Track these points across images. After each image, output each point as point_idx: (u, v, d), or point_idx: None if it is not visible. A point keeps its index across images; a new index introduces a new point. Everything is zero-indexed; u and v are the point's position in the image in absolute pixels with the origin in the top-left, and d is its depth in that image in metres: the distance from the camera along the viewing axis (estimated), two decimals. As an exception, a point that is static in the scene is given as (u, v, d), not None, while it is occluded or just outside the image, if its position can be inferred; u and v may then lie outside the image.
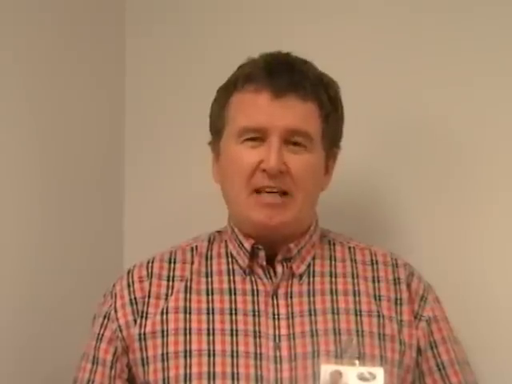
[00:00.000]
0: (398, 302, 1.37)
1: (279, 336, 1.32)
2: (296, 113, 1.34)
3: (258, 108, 1.35)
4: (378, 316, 1.35)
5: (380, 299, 1.37)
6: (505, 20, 1.55)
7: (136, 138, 1.87)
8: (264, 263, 1.37)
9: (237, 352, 1.30)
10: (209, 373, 1.29)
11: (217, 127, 1.40)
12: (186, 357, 1.31)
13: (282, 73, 1.35)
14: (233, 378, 1.28)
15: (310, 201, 1.38)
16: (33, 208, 1.61)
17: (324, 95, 1.37)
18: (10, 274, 1.53)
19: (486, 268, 1.53)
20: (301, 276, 1.37)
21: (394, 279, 1.40)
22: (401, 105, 1.63)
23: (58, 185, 1.67)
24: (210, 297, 1.36)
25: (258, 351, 1.30)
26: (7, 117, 1.54)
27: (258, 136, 1.34)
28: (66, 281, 1.67)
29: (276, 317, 1.33)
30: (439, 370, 1.37)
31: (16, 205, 1.56)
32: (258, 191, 1.33)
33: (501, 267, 1.52)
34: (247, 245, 1.37)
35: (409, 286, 1.40)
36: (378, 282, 1.39)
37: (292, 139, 1.34)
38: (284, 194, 1.33)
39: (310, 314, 1.34)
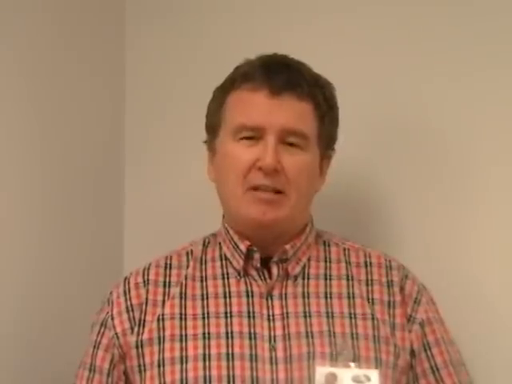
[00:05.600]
0: (391, 305, 1.37)
1: (274, 337, 1.32)
2: (292, 112, 1.35)
3: (255, 106, 1.35)
4: (373, 319, 1.35)
5: (373, 302, 1.37)
6: (504, 16, 1.54)
7: (136, 138, 1.88)
8: (258, 265, 1.37)
9: (232, 355, 1.30)
10: (205, 377, 1.29)
11: (213, 126, 1.41)
12: (181, 362, 1.31)
13: (279, 72, 1.36)
14: (229, 381, 1.28)
15: (304, 200, 1.38)
16: (33, 208, 1.61)
17: (320, 96, 1.38)
18: (9, 275, 1.54)
19: (477, 267, 1.53)
20: (295, 277, 1.37)
21: (388, 282, 1.39)
22: (395, 106, 1.63)
23: (58, 185, 1.68)
24: (205, 301, 1.36)
25: (254, 353, 1.30)
26: (7, 116, 1.55)
27: (254, 135, 1.34)
28: (66, 281, 1.67)
29: (271, 318, 1.33)
30: (433, 372, 1.37)
31: (16, 205, 1.57)
32: (253, 189, 1.34)
33: (492, 266, 1.52)
34: (243, 247, 1.37)
35: (402, 288, 1.39)
36: (372, 284, 1.39)
37: (288, 140, 1.35)
38: (278, 192, 1.34)
39: (305, 316, 1.34)
